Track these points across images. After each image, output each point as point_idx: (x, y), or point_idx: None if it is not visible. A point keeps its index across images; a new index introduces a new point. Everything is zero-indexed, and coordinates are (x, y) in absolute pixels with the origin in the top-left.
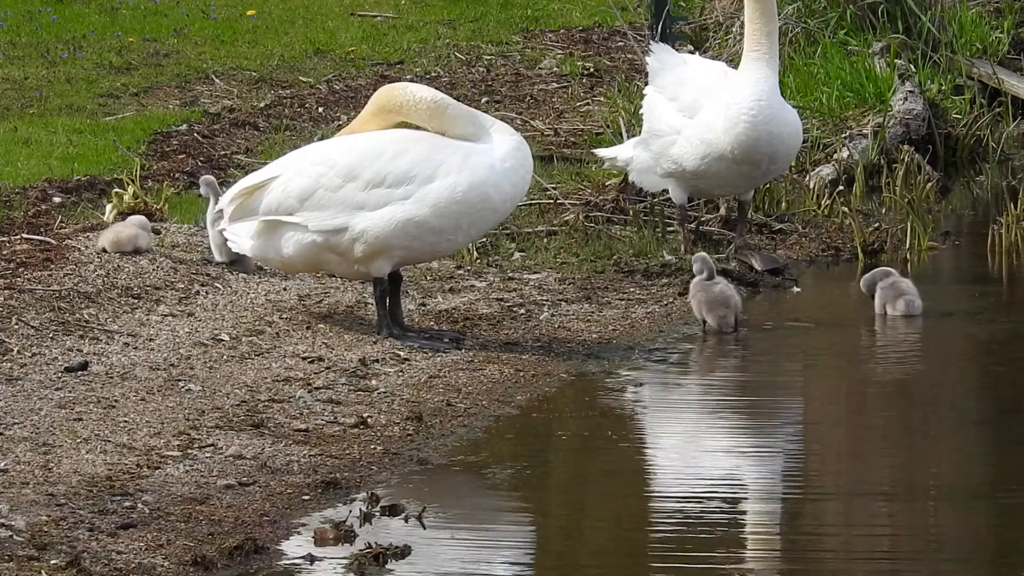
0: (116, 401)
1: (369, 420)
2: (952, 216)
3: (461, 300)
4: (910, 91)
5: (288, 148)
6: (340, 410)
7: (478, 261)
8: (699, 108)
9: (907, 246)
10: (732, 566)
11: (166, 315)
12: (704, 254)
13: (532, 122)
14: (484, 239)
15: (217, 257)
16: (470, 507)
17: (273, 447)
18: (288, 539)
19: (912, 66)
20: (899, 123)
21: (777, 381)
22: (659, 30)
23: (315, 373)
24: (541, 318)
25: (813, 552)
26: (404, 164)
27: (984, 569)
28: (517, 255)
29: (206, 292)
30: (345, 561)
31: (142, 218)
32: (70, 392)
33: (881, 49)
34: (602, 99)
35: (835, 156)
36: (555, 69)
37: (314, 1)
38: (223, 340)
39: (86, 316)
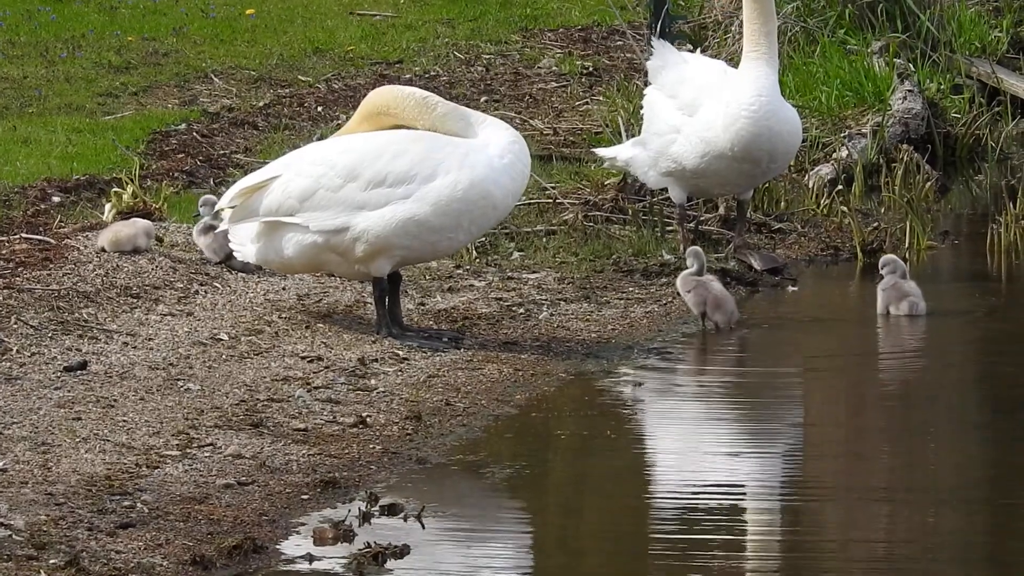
0: (115, 400)
1: (368, 419)
2: (951, 215)
3: (460, 299)
4: (909, 90)
5: (287, 147)
6: (339, 409)
7: (477, 260)
8: (699, 106)
9: (906, 245)
10: (731, 566)
11: (165, 314)
12: (699, 249)
13: (531, 121)
14: (483, 239)
15: (213, 258)
16: (469, 506)
17: (272, 446)
18: (287, 538)
19: (911, 65)
20: (898, 122)
21: (776, 381)
22: (658, 29)
23: (314, 372)
24: (540, 317)
25: (814, 552)
26: (404, 163)
27: (985, 570)
28: (516, 254)
29: (205, 292)
30: (344, 560)
31: (147, 222)
32: (69, 391)
33: (880, 48)
34: (601, 98)
35: (834, 155)
36: (554, 68)
37: (313, 0)
38: (222, 339)
39: (85, 316)
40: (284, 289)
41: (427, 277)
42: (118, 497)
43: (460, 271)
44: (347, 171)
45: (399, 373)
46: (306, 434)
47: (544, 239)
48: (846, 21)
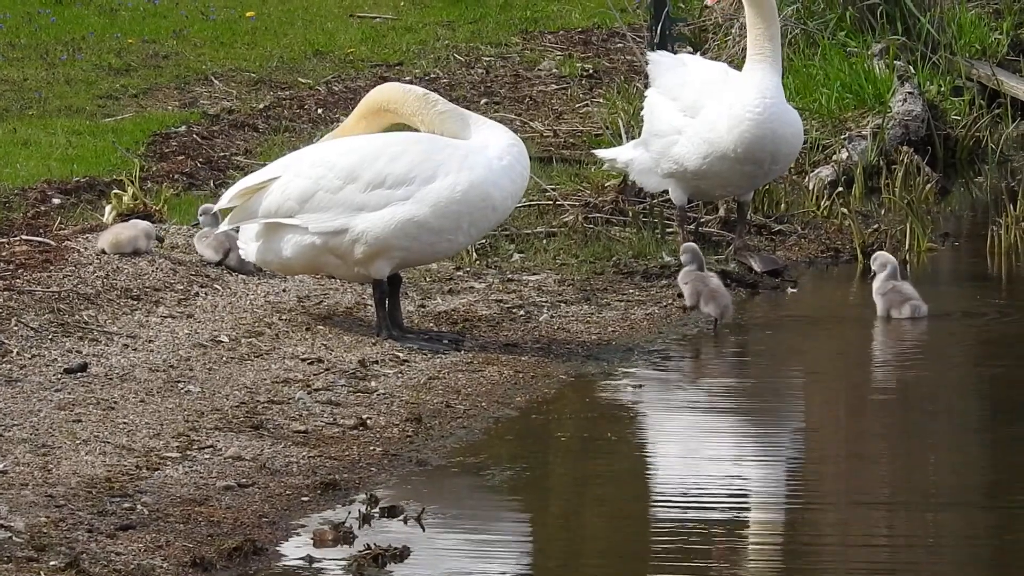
0: (115, 402)
1: (368, 421)
2: (951, 217)
3: (460, 301)
4: (909, 92)
5: (287, 149)
6: (339, 411)
7: (477, 262)
8: (701, 108)
9: (906, 247)
10: (732, 568)
11: (165, 316)
12: (694, 245)
13: (531, 123)
14: (483, 240)
15: (213, 257)
16: (469, 508)
17: (272, 448)
18: (287, 540)
19: (911, 67)
20: (898, 124)
21: (776, 383)
22: (658, 32)
23: (314, 374)
24: (540, 319)
25: (814, 554)
26: (404, 165)
27: (987, 572)
28: (516, 256)
29: (205, 294)
30: (344, 562)
31: (147, 224)
32: (69, 393)
33: (880, 50)
34: (601, 100)
35: (834, 157)
36: (554, 70)
37: (313, 2)
38: (222, 341)
39: (85, 317)
40: (284, 291)
41: (427, 279)
42: (118, 499)
43: (460, 273)
44: (346, 173)
45: (399, 375)
46: (306, 436)
47: (544, 241)
48: (846, 23)
